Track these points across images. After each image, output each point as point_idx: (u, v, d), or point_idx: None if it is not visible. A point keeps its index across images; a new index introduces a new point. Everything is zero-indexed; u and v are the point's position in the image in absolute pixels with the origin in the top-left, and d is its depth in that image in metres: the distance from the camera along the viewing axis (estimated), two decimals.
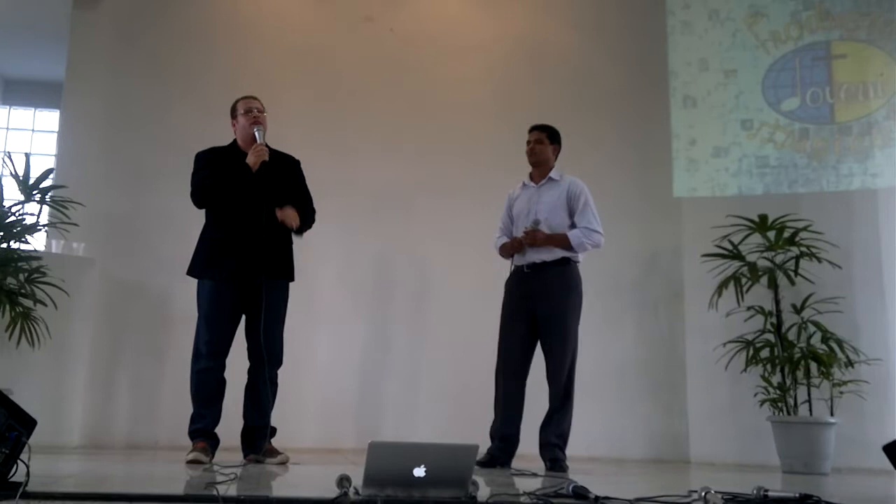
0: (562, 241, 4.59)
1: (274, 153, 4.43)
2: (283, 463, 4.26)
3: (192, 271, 4.41)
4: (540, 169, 4.83)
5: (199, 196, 4.36)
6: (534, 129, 4.88)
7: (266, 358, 4.31)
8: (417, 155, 6.60)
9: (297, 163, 4.62)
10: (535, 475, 3.93)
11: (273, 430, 4.41)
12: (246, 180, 4.29)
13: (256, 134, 4.35)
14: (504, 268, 4.82)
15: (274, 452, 4.32)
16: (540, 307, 4.60)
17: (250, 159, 4.28)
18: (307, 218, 4.51)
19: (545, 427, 4.51)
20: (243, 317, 4.41)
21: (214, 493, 2.27)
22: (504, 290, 4.80)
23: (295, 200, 4.45)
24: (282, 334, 4.44)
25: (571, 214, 4.68)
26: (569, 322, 4.56)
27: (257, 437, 4.32)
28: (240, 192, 4.29)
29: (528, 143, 4.85)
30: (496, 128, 6.54)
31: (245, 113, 4.42)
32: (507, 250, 4.78)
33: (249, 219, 4.28)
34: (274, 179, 4.36)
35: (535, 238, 4.59)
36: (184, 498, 2.24)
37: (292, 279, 4.52)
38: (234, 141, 4.52)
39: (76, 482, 2.93)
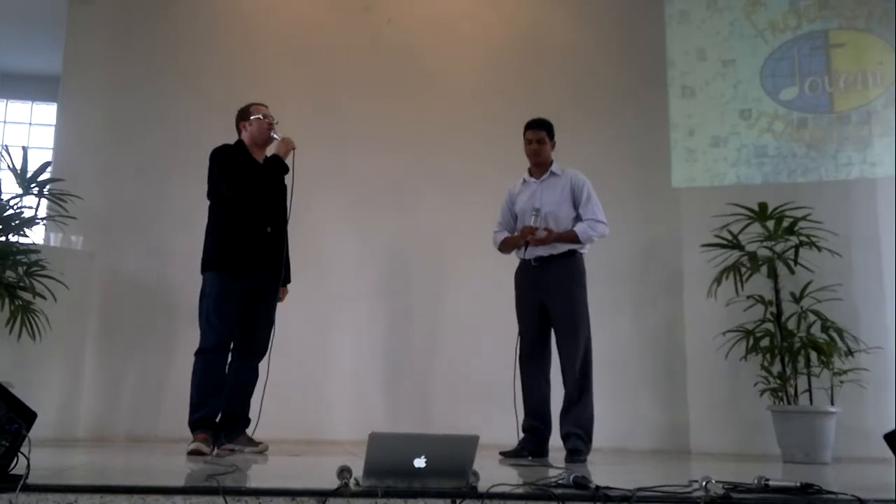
0: (569, 237, 4.63)
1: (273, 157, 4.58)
2: (263, 452, 4.33)
3: (207, 264, 4.47)
4: (541, 166, 4.83)
5: (242, 187, 4.43)
6: (532, 126, 4.83)
7: (256, 350, 4.47)
8: (414, 146, 6.58)
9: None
10: (535, 465, 3.92)
11: (248, 421, 4.51)
12: (264, 178, 4.48)
13: (275, 136, 4.55)
14: (510, 260, 4.83)
15: (252, 442, 4.38)
16: (548, 299, 4.64)
17: (281, 149, 4.50)
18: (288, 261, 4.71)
19: (564, 418, 4.54)
20: None
21: (215, 484, 2.26)
22: (514, 283, 4.83)
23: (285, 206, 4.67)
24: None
25: (576, 207, 4.70)
26: (578, 314, 4.60)
27: (238, 425, 4.42)
28: (261, 188, 4.47)
29: (529, 142, 4.80)
30: (493, 118, 6.51)
31: (262, 117, 4.57)
32: (509, 246, 4.82)
33: (264, 216, 4.48)
34: (281, 180, 4.58)
35: (543, 239, 4.60)
36: (184, 490, 2.23)
37: (289, 281, 4.73)
38: (240, 141, 4.63)
39: (77, 475, 2.93)
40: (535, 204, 4.70)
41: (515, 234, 4.80)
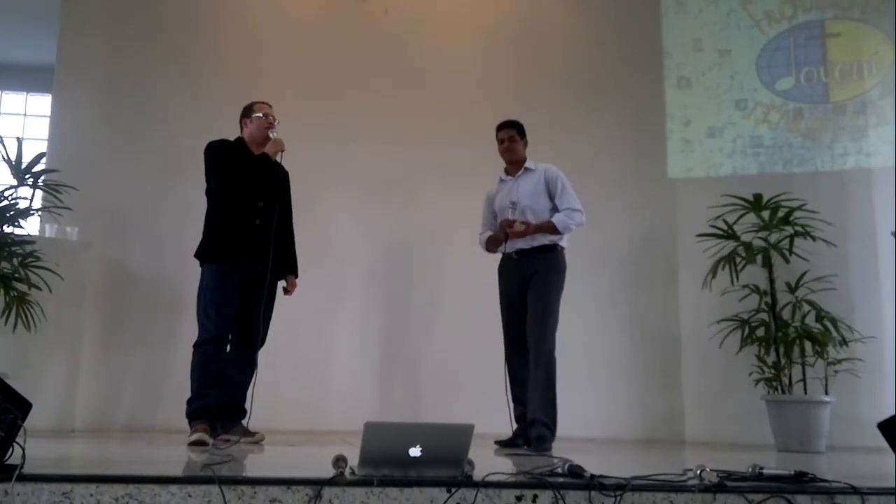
0: (547, 228, 4.67)
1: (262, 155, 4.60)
2: (259, 442, 4.37)
3: (201, 254, 4.50)
4: (516, 164, 4.91)
5: (228, 181, 4.47)
6: (503, 127, 4.92)
7: (254, 342, 4.49)
8: (411, 136, 6.55)
9: (287, 174, 4.80)
10: (531, 454, 3.93)
11: (245, 412, 4.53)
12: (262, 173, 4.49)
13: (271, 135, 4.57)
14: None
15: (248, 432, 4.41)
16: (529, 290, 4.67)
17: (270, 149, 4.51)
18: (294, 255, 4.82)
19: (531, 403, 4.53)
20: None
21: (211, 474, 2.27)
22: (497, 276, 4.87)
23: (285, 209, 4.73)
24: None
25: (551, 198, 4.76)
26: (549, 302, 4.62)
27: (235, 416, 4.45)
28: (258, 182, 4.50)
29: (502, 141, 4.90)
30: (490, 109, 6.45)
31: (263, 116, 4.61)
32: (493, 243, 4.90)
33: (253, 209, 4.49)
34: (280, 178, 4.62)
35: (522, 232, 4.65)
36: (180, 480, 2.24)
37: (296, 273, 4.82)
38: (240, 139, 4.68)
39: (72, 465, 2.93)
40: (512, 197, 4.78)
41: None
